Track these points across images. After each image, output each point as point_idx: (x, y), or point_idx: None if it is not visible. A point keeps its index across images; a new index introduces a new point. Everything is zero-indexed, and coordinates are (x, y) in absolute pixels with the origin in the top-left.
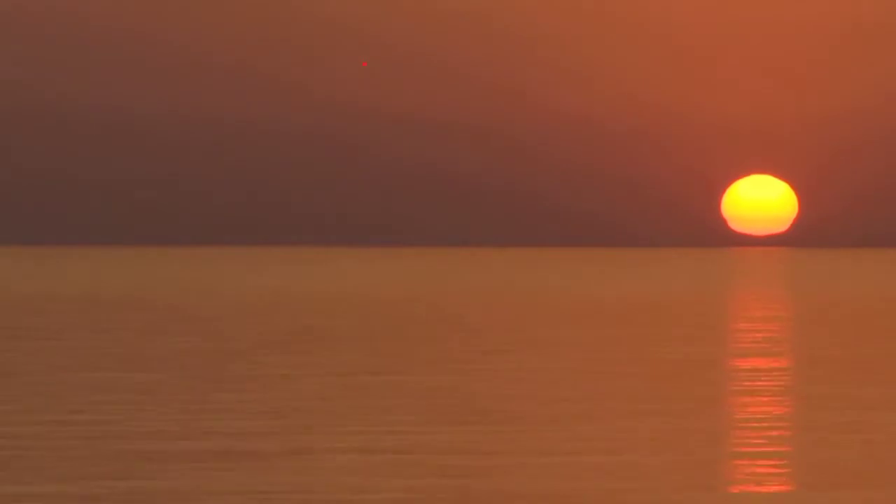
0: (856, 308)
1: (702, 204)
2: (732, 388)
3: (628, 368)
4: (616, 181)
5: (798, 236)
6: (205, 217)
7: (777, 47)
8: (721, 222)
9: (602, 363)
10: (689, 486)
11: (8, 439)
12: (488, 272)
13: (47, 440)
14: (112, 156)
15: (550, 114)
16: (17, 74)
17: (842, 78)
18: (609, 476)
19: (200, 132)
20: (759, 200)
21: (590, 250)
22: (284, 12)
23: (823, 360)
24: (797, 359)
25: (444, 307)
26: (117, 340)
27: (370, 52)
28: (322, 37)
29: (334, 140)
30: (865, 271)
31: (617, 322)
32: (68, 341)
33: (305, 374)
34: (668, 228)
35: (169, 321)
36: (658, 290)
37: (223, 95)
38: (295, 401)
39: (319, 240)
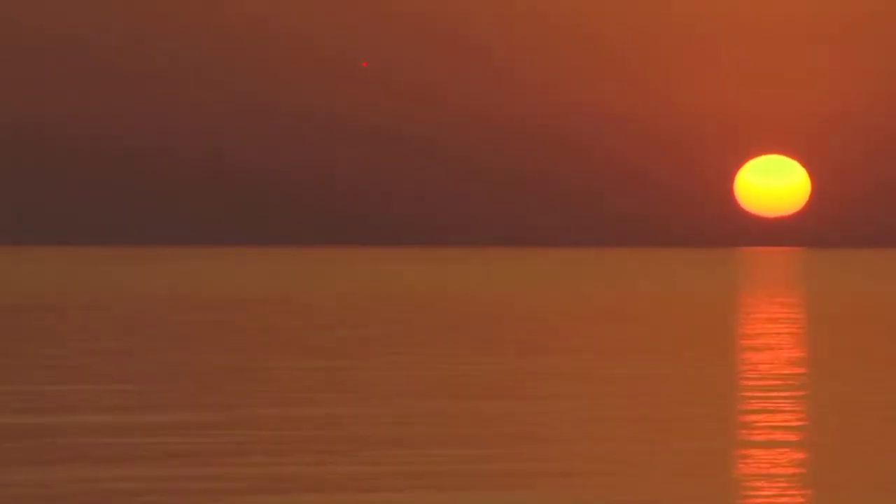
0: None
1: (713, 190)
2: None
3: None
4: (628, 173)
5: (811, 218)
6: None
7: (780, 41)
8: (734, 206)
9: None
10: None
11: None
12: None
13: None
14: None
15: (556, 111)
16: None
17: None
18: None
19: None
20: (771, 183)
21: (594, 251)
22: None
23: None
24: None
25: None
26: None
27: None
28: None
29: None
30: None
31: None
32: None
33: None
34: (682, 216)
35: None
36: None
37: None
38: None
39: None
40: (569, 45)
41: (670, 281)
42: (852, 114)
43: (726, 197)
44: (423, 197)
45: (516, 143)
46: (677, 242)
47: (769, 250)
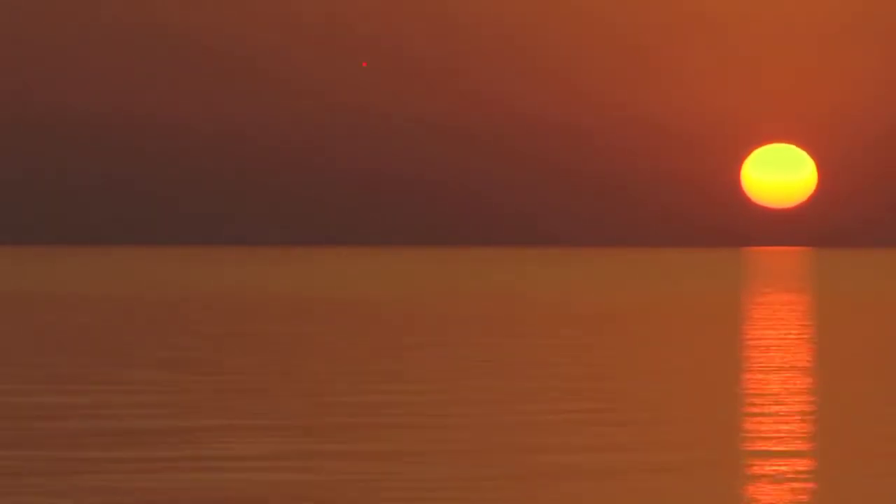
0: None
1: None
2: None
3: None
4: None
5: (818, 207)
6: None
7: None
8: (742, 196)
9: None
10: None
11: None
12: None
13: None
14: None
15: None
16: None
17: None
18: None
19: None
20: (778, 173)
21: (602, 251)
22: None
23: None
24: None
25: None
26: None
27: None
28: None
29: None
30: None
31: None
32: None
33: None
34: (688, 207)
35: None
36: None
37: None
38: None
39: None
40: (568, 42)
41: (712, 280)
42: (859, 104)
43: (734, 188)
44: (427, 196)
45: (517, 139)
46: (682, 237)
47: (786, 249)
